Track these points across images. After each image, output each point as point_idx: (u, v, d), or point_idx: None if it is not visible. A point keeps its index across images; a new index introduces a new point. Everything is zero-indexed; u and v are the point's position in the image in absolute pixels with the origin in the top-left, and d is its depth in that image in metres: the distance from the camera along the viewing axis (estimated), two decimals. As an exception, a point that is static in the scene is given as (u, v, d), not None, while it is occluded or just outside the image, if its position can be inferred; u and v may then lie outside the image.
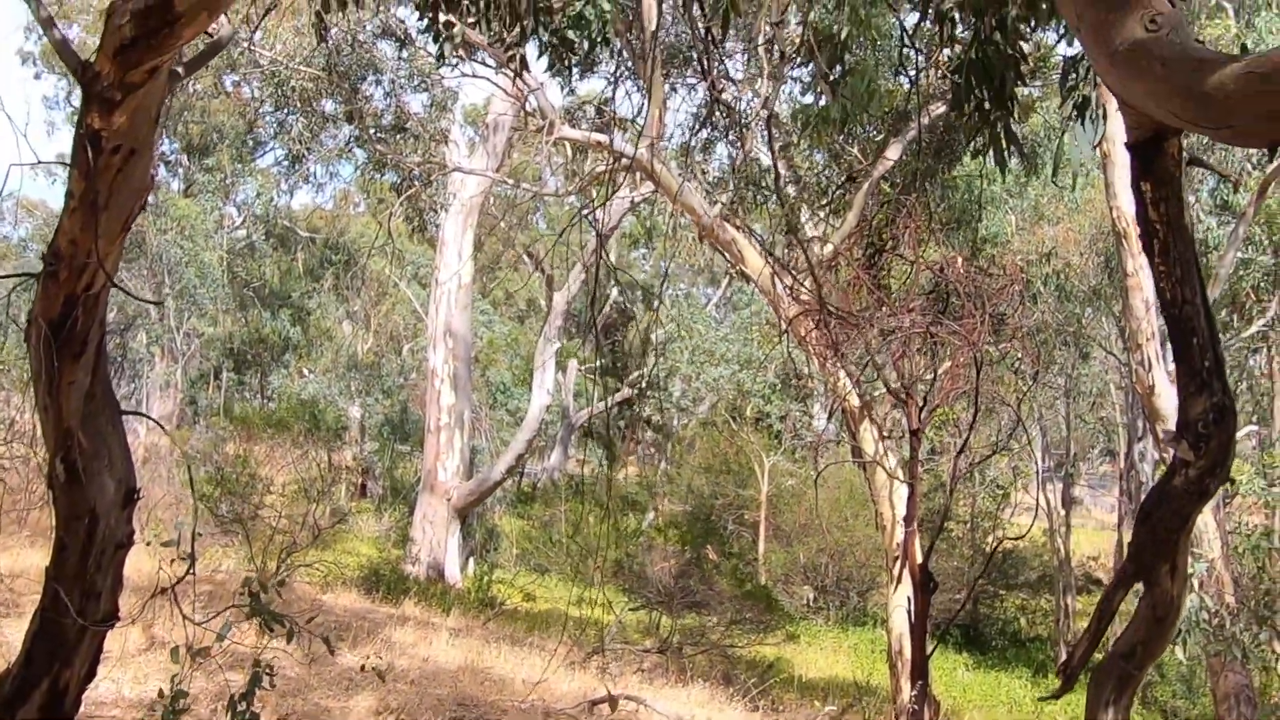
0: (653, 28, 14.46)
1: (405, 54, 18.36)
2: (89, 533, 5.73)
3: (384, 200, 32.99)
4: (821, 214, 15.77)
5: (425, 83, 19.29)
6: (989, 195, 20.02)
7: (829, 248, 14.76)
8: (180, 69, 5.31)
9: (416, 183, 17.29)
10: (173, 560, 5.81)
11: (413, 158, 17.47)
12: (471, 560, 27.77)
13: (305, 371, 41.20)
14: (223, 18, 5.26)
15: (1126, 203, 13.04)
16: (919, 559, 12.29)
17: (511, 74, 7.21)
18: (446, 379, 26.31)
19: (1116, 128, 13.19)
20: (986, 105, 4.74)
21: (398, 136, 18.14)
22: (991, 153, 4.74)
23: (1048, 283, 20.26)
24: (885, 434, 14.48)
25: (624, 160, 15.31)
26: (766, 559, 29.79)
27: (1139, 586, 3.47)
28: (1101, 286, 21.62)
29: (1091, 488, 54.58)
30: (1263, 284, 18.53)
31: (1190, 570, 11.20)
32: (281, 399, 38.24)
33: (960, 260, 13.06)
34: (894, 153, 14.58)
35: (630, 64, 16.37)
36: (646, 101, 14.64)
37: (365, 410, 38.19)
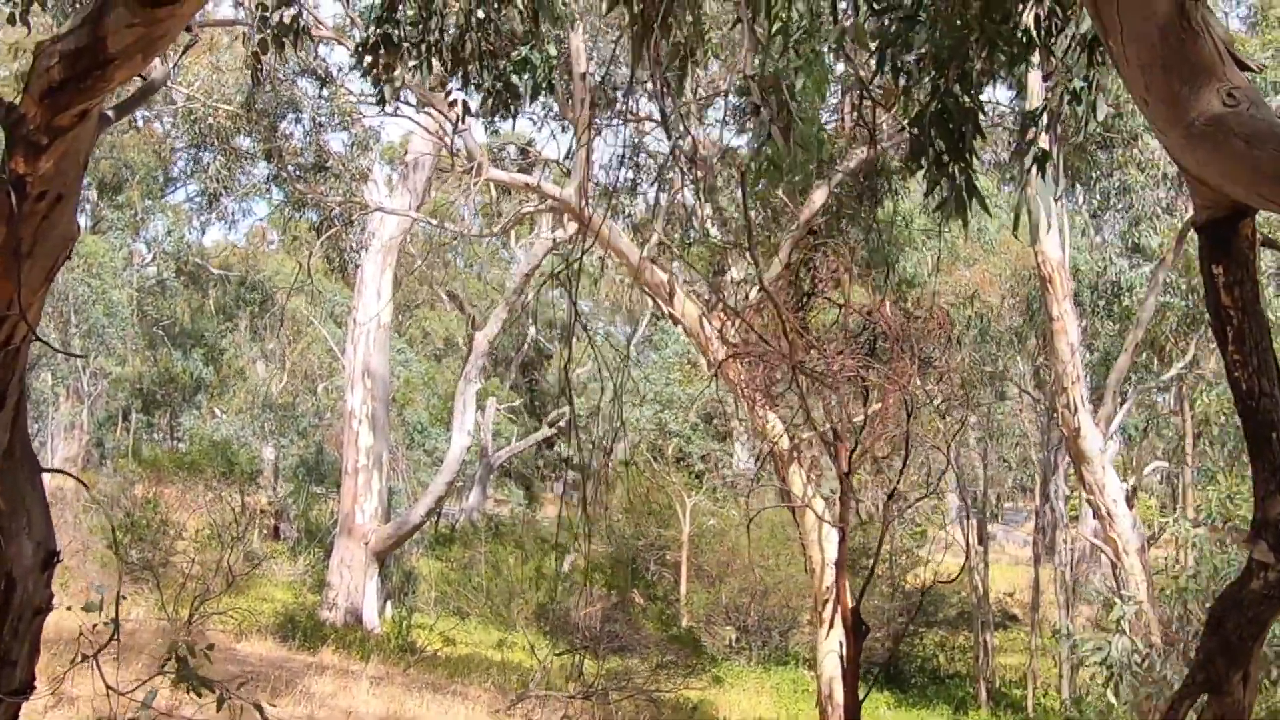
0: (582, 70, 14.44)
1: (326, 92, 18.13)
2: (5, 598, 5.44)
3: (299, 238, 32.48)
4: (748, 257, 15.80)
5: (345, 121, 19.05)
6: (906, 237, 20.23)
7: (756, 290, 14.76)
8: (111, 112, 5.09)
9: (337, 222, 17.01)
10: (95, 626, 5.54)
11: (334, 197, 17.19)
12: (389, 604, 27.24)
13: (217, 412, 40.33)
14: (156, 59, 5.06)
15: (1051, 248, 13.23)
16: (850, 603, 12.25)
17: (452, 118, 7.08)
18: (365, 420, 25.87)
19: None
20: (945, 158, 4.70)
21: (318, 175, 17.86)
22: (954, 205, 4.70)
23: (970, 325, 20.52)
24: (813, 477, 14.48)
25: (549, 201, 15.24)
26: (689, 600, 29.64)
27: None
28: (1022, 329, 21.92)
29: (1004, 523, 55.33)
30: (1181, 327, 18.92)
31: (1120, 614, 11.29)
32: (193, 440, 37.38)
33: (888, 304, 13.14)
34: (820, 196, 14.66)
35: (554, 106, 16.33)
36: (574, 143, 14.61)
37: (279, 451, 37.43)
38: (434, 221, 21.20)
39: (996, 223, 22.28)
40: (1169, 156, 3.06)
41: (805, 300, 13.70)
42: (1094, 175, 18.70)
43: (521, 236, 30.97)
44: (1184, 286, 18.14)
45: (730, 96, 14.86)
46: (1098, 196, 21.06)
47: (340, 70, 17.11)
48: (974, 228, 22.76)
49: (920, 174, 4.84)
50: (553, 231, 24.82)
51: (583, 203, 13.69)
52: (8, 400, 5.40)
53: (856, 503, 25.07)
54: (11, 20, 5.92)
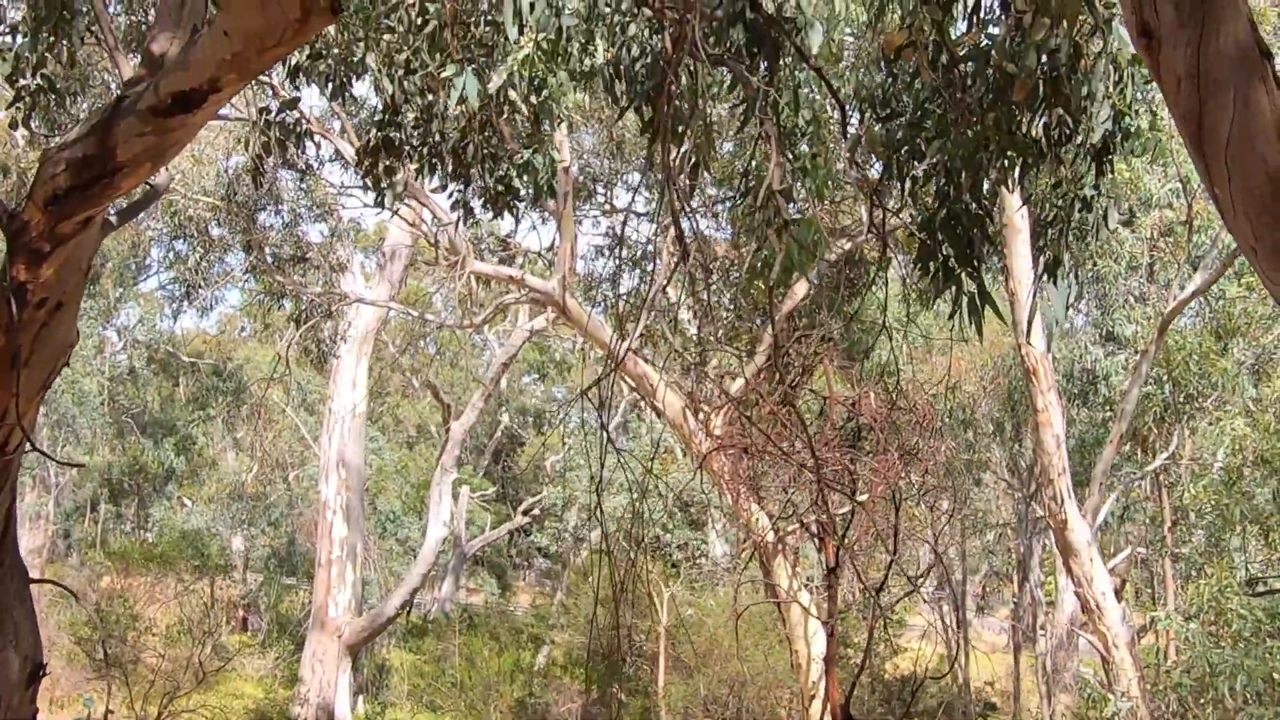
0: (565, 163, 14.52)
1: (306, 184, 18.17)
2: (-11, 716, 5.26)
3: (271, 325, 32.27)
4: (732, 350, 15.83)
5: (324, 213, 19.07)
6: (883, 326, 20.20)
7: (739, 382, 14.75)
8: (114, 217, 5.03)
9: (317, 314, 16.96)
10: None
11: (312, 289, 17.17)
12: (360, 698, 26.70)
13: (187, 501, 39.79)
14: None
15: (1038, 341, 13.27)
16: (839, 700, 12.08)
17: (453, 218, 7.08)
18: (339, 510, 25.57)
19: (1024, 267, 13.49)
20: (952, 264, 4.70)
21: (296, 266, 17.84)
22: (966, 313, 4.68)
23: (951, 414, 20.55)
24: (798, 570, 14.35)
25: (531, 294, 15.25)
26: (666, 692, 29.20)
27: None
28: (1000, 417, 21.97)
29: (979, 610, 55.05)
30: (1164, 416, 18.98)
31: (1114, 711, 11.16)
32: (163, 531, 36.84)
33: (873, 396, 13.12)
34: (801, 288, 14.72)
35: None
36: (557, 236, 14.65)
37: (249, 542, 36.91)
38: (413, 313, 21.16)
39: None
40: (1277, 304, 3.03)
41: (790, 391, 13.65)
42: (1069, 265, 18.86)
43: (496, 324, 30.96)
44: (1165, 377, 18.26)
45: (711, 188, 14.97)
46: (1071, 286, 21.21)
47: (320, 163, 17.18)
48: (943, 309, 22.84)
49: (927, 278, 4.83)
50: (530, 320, 24.83)
51: (566, 295, 13.69)
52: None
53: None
54: (13, 125, 5.89)
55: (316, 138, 13.07)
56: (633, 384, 14.92)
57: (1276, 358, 18.31)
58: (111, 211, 4.96)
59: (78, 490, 40.38)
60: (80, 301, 4.88)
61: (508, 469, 51.57)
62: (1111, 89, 4.63)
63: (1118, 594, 14.15)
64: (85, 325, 38.21)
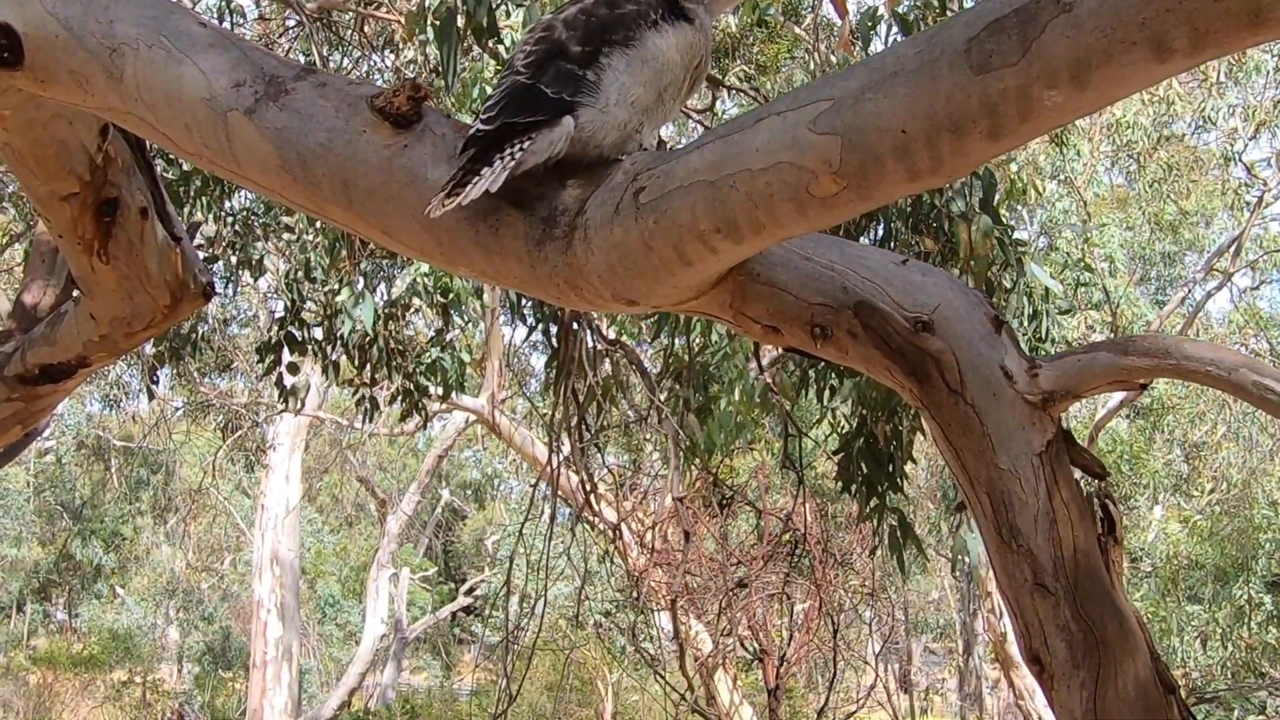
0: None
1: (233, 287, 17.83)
2: None
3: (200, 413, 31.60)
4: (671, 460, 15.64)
5: (250, 318, 18.75)
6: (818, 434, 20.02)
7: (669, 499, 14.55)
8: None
9: (244, 424, 16.61)
10: None
11: (239, 400, 16.83)
12: (299, 801, 25.94)
13: (120, 591, 38.69)
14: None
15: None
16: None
17: (361, 417, 6.88)
18: (274, 609, 25.02)
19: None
20: (874, 482, 4.57)
21: (223, 374, 17.50)
22: (889, 547, 4.55)
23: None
24: (739, 685, 14.14)
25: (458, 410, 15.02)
26: (612, 781, 28.66)
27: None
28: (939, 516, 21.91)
29: (924, 666, 55.05)
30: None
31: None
32: (93, 631, 35.83)
33: (807, 509, 12.98)
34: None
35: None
36: (485, 349, 14.44)
37: (183, 631, 35.96)
38: (342, 421, 20.84)
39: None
40: None
41: (725, 506, 13.50)
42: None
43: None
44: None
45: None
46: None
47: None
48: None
49: (850, 497, 4.70)
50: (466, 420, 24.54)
51: (494, 412, 13.49)
52: None
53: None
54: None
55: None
56: (564, 496, 14.68)
57: (1203, 455, 18.36)
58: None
59: (4, 589, 39.25)
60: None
61: (450, 545, 50.75)
62: (1027, 324, 4.54)
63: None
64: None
